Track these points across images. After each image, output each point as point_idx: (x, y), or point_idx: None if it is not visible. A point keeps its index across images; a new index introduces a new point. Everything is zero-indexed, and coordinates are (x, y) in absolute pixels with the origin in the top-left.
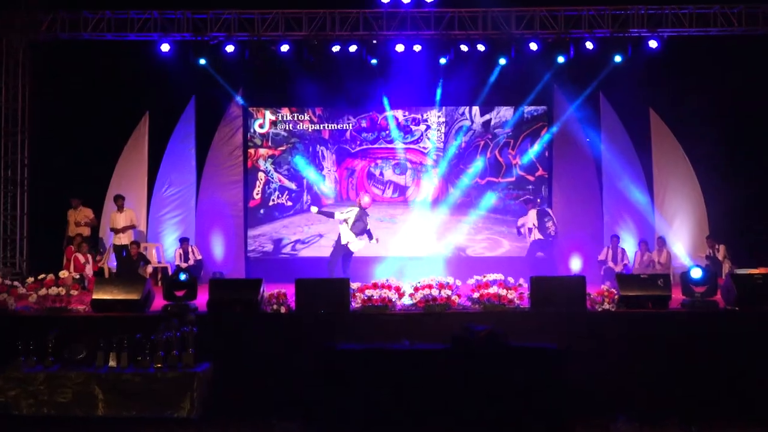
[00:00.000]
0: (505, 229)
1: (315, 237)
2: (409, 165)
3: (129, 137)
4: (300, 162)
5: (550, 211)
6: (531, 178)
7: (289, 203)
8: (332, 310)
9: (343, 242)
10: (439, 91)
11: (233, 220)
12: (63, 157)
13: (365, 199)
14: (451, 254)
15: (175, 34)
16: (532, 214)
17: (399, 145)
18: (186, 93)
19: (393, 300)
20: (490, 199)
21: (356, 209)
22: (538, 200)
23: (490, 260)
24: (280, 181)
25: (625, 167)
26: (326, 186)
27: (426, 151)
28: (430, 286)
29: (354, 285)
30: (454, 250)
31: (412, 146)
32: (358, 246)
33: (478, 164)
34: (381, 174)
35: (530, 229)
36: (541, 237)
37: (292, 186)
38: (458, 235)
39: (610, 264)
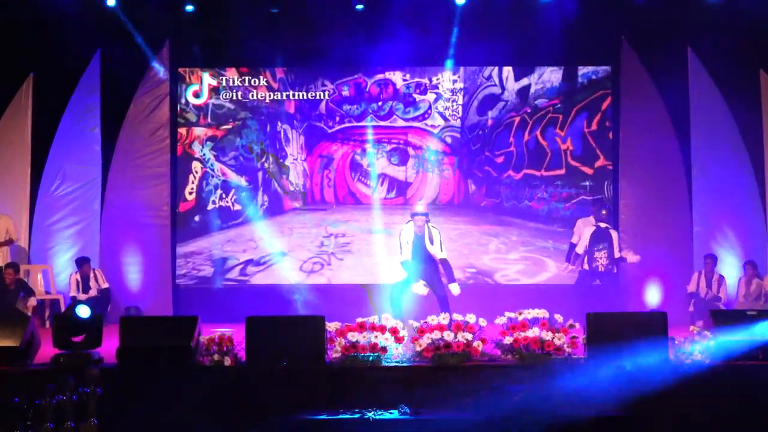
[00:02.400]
0: (551, 245)
1: (274, 256)
2: (411, 152)
3: (2, 112)
4: (253, 147)
5: (612, 233)
6: (588, 170)
7: (237, 207)
8: (300, 362)
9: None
10: (453, 46)
11: (155, 231)
12: None
13: (417, 207)
14: (472, 281)
15: None
16: (586, 232)
17: (397, 122)
18: (88, 48)
19: (387, 347)
20: (529, 201)
21: (408, 228)
22: (603, 211)
23: (529, 289)
24: (223, 174)
25: (726, 156)
26: (291, 181)
27: (436, 132)
28: (441, 328)
29: (332, 325)
30: (476, 275)
31: (415, 124)
32: (422, 290)
33: (512, 151)
34: (371, 165)
35: (578, 256)
36: (587, 268)
37: (242, 182)
38: (482, 253)
39: (703, 295)
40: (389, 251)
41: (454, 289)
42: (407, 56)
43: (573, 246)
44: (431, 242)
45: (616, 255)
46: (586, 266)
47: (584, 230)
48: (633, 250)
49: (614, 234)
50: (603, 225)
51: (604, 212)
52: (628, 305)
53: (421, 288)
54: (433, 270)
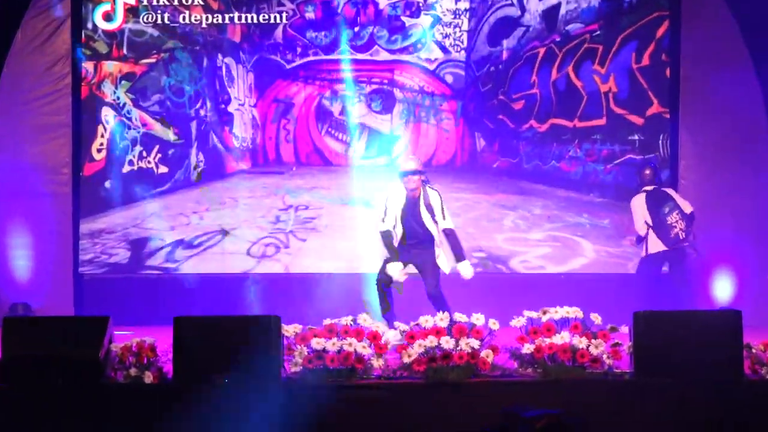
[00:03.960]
0: (586, 221)
1: (213, 235)
2: (398, 95)
3: None
4: (186, 88)
5: (668, 190)
6: (637, 120)
7: (163, 169)
8: (247, 378)
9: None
10: None
11: (51, 202)
12: None
13: (407, 164)
14: (481, 269)
15: None
16: (638, 201)
17: (380, 55)
18: None
19: (366, 358)
20: (557, 161)
21: (399, 191)
22: (647, 171)
23: (557, 281)
24: (144, 124)
25: None
26: (236, 135)
27: (432, 68)
28: (438, 332)
29: (290, 329)
30: (486, 261)
31: (404, 58)
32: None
33: (535, 93)
34: (344, 112)
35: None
36: (664, 247)
37: (169, 135)
38: (494, 231)
39: None
40: (370, 229)
41: (466, 270)
42: None
43: (641, 239)
44: (429, 210)
45: (688, 210)
46: (644, 252)
47: (634, 200)
48: (700, 229)
49: (671, 191)
50: (650, 188)
51: (647, 172)
52: (690, 301)
53: (398, 271)
54: (428, 251)
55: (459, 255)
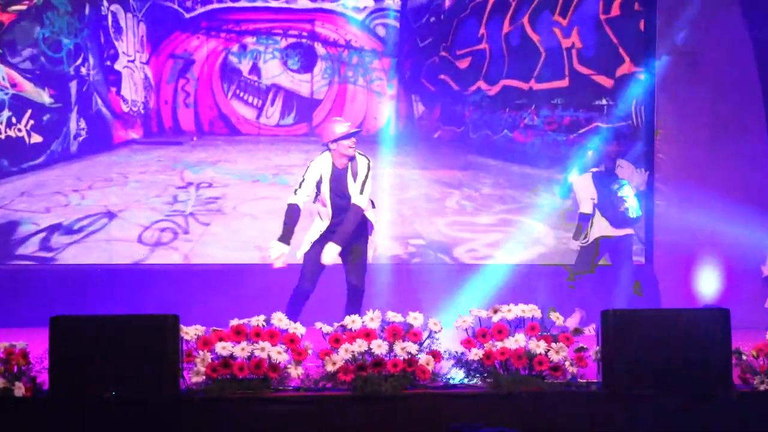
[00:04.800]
0: (546, 203)
1: (98, 218)
2: (320, 50)
3: None
4: (63, 41)
5: (623, 163)
6: (606, 81)
7: (37, 138)
8: (138, 390)
9: (305, 247)
10: None
11: None
12: None
13: (338, 127)
14: (419, 259)
15: None
16: (584, 181)
17: (298, 1)
18: None
19: (282, 365)
20: (510, 131)
21: (324, 159)
22: (614, 149)
23: (510, 273)
24: (14, 84)
25: None
26: (125, 97)
27: (360, 18)
28: (368, 334)
29: (191, 330)
30: (425, 249)
31: (326, 5)
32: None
33: (483, 49)
34: (255, 70)
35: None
36: (608, 232)
37: (44, 97)
38: (434, 214)
39: None
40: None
41: (327, 253)
42: None
43: (584, 217)
44: (354, 179)
45: (642, 186)
46: (582, 240)
47: (579, 185)
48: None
49: (625, 163)
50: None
51: (612, 149)
52: (666, 300)
53: (333, 253)
54: (358, 233)
55: (342, 233)
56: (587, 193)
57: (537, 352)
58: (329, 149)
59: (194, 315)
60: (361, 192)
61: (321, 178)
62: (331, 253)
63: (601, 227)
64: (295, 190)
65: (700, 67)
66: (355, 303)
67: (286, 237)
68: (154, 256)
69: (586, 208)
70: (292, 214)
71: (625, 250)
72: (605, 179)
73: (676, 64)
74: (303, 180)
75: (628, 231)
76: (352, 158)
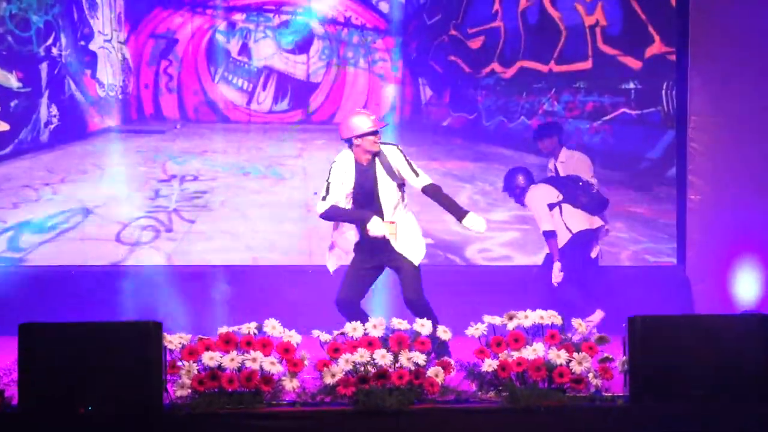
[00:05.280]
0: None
1: (71, 215)
2: (317, 29)
3: None
4: (32, 18)
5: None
6: (635, 63)
7: (4, 126)
8: (116, 405)
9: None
10: None
11: None
12: None
13: (362, 121)
14: (427, 261)
15: None
16: (537, 192)
17: None
18: None
19: (276, 377)
20: (528, 117)
21: (346, 157)
22: (523, 179)
23: (528, 276)
24: None
25: None
26: (101, 81)
27: None
28: (371, 343)
29: (175, 339)
30: (435, 250)
31: None
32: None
33: (498, 27)
34: (245, 51)
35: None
36: (588, 223)
37: (11, 81)
38: (444, 212)
39: None
40: (279, 206)
41: (474, 223)
42: None
43: (549, 234)
44: (391, 175)
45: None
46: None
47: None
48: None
49: (567, 152)
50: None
51: (521, 179)
52: (700, 304)
53: (382, 227)
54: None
55: (457, 211)
56: (548, 198)
57: (557, 362)
58: (351, 145)
59: (179, 322)
60: (418, 174)
61: (346, 177)
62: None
63: (577, 222)
64: (324, 197)
65: (738, 48)
66: (423, 315)
67: (365, 215)
68: (133, 256)
69: (546, 225)
70: (339, 209)
71: (587, 245)
72: (559, 177)
73: (711, 43)
74: (328, 184)
75: (600, 222)
76: (377, 153)
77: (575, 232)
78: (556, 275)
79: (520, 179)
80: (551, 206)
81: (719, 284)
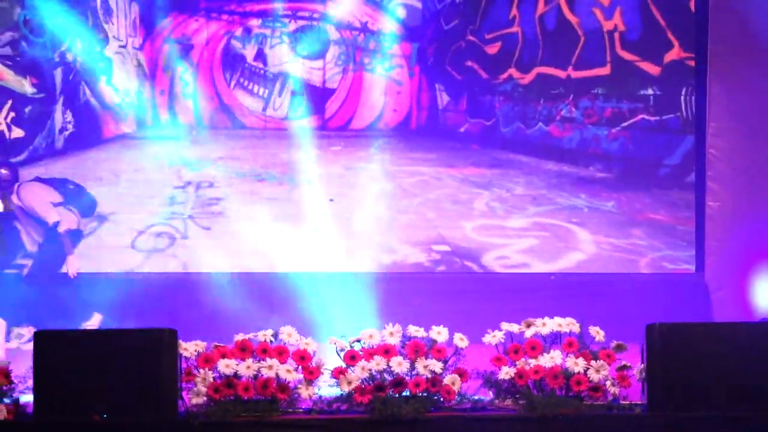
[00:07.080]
0: (584, 203)
1: (86, 222)
2: (333, 34)
3: None
4: (47, 24)
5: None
6: (653, 69)
7: (18, 132)
8: (131, 412)
9: None
10: None
11: None
12: None
13: None
14: (443, 267)
15: None
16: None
17: None
18: None
19: (292, 385)
20: (546, 124)
21: None
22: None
23: (545, 283)
24: None
25: None
26: (116, 87)
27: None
28: (387, 351)
29: (190, 347)
30: (450, 256)
31: None
32: None
33: (515, 33)
34: (261, 57)
35: None
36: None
37: (25, 87)
38: (461, 217)
39: None
40: (295, 213)
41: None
42: None
43: None
44: None
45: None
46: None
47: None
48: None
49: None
50: None
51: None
52: (724, 310)
53: None
54: None
55: None
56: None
57: (575, 370)
58: None
59: (194, 329)
60: None
61: None
62: None
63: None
64: None
65: (758, 53)
66: None
67: None
68: (149, 263)
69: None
70: None
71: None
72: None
73: (731, 49)
74: None
75: None
76: None
77: None
78: None
79: None
80: None
81: (738, 292)
